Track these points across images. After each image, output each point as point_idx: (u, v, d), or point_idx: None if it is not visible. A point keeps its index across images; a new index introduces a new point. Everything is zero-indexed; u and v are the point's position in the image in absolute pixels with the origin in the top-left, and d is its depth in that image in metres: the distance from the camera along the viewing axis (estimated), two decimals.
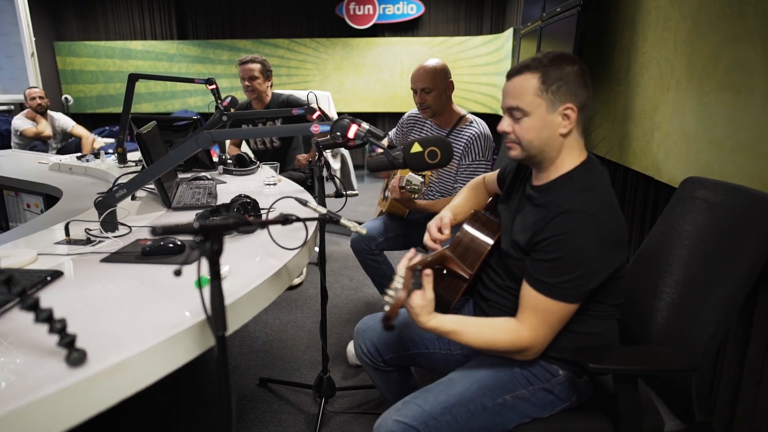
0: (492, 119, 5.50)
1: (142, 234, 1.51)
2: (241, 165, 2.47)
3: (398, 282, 1.01)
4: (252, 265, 1.26)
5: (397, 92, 5.78)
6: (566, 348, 1.14)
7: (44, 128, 4.33)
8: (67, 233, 1.42)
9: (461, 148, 2.14)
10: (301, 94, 3.30)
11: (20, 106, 4.43)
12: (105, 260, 1.27)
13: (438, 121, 2.24)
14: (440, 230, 1.36)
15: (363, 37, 5.72)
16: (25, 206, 2.71)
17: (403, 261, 1.15)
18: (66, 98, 5.10)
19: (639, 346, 1.26)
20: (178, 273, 0.81)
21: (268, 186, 2.17)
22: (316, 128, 1.37)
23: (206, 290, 0.85)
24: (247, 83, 2.85)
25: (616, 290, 1.13)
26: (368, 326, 1.44)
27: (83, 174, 2.66)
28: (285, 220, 1.05)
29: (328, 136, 1.37)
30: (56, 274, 1.15)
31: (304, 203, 1.31)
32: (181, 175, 2.31)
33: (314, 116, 2.22)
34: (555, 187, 1.13)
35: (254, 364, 2.18)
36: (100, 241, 1.42)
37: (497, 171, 1.49)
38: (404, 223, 2.32)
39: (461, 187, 2.14)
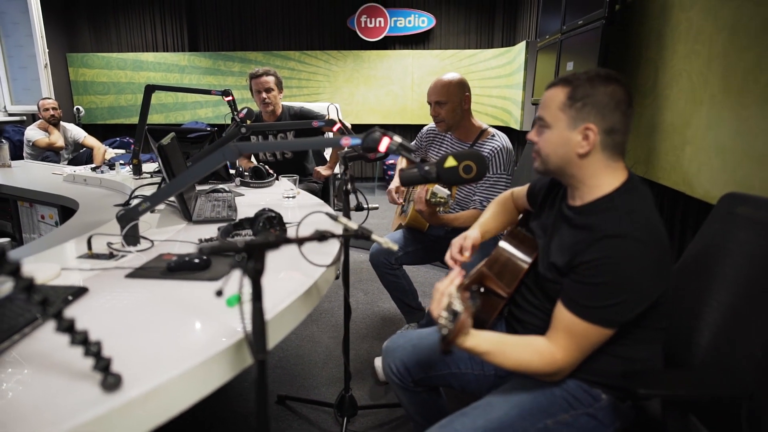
0: (504, 132, 5.47)
1: (165, 248, 1.48)
2: (258, 177, 2.45)
3: (457, 305, 0.96)
4: (281, 282, 1.22)
5: (408, 105, 5.77)
6: (610, 372, 1.09)
7: (56, 139, 4.33)
8: (90, 247, 1.39)
9: None
10: (312, 106, 3.29)
11: (33, 117, 4.43)
12: (130, 276, 1.24)
13: (459, 134, 2.21)
14: (462, 250, 1.33)
15: (374, 49, 5.73)
16: (40, 218, 2.69)
17: (445, 281, 1.11)
18: (77, 109, 5.11)
19: (684, 369, 1.21)
20: (219, 293, 0.77)
21: (287, 199, 2.14)
22: (347, 141, 1.34)
23: (241, 309, 0.81)
24: (264, 96, 2.83)
25: (661, 314, 1.09)
26: (398, 345, 1.40)
27: (98, 185, 2.64)
28: (321, 236, 1.02)
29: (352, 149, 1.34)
30: (81, 291, 1.12)
31: (334, 218, 1.28)
32: (198, 188, 2.28)
33: (335, 129, 2.19)
34: (595, 209, 1.08)
35: (271, 380, 2.13)
36: (122, 256, 1.39)
37: (526, 186, 1.45)
38: (424, 238, 2.28)
39: (480, 200, 2.10)
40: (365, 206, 1.84)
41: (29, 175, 3.11)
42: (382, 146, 1.30)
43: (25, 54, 5.07)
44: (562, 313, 1.05)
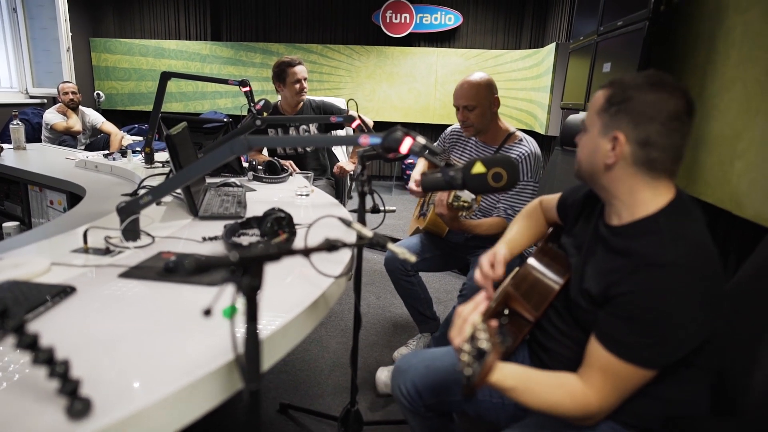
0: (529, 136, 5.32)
1: (166, 245, 1.38)
2: (272, 172, 2.35)
3: (483, 341, 0.83)
4: (286, 292, 1.11)
5: (431, 103, 5.64)
6: (648, 415, 0.96)
7: (74, 123, 4.30)
8: (85, 241, 1.30)
9: None
10: (333, 101, 3.18)
11: (54, 100, 4.41)
12: (123, 275, 1.15)
13: (484, 138, 2.08)
14: (493, 266, 1.20)
15: (398, 45, 5.61)
16: (49, 203, 2.63)
17: (469, 306, 0.99)
18: (98, 94, 5.09)
19: (735, 416, 1.07)
20: (207, 313, 0.67)
21: (300, 197, 2.03)
22: (365, 140, 1.22)
23: (232, 329, 0.70)
24: (303, 85, 2.75)
25: (710, 351, 0.96)
26: (410, 365, 1.28)
27: (109, 173, 2.57)
28: (331, 246, 0.91)
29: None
30: (68, 291, 1.02)
31: (348, 224, 1.16)
32: (209, 180, 2.19)
33: (354, 125, 2.08)
34: (637, 231, 0.96)
35: (275, 386, 2.03)
36: (119, 252, 1.29)
37: (557, 196, 1.32)
38: (442, 244, 2.16)
39: (504, 207, 1.97)
40: (382, 208, 1.73)
41: (42, 158, 3.06)
42: (404, 147, 1.19)
43: (49, 37, 5.06)
44: (597, 350, 0.92)
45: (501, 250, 1.23)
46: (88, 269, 1.18)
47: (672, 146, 0.94)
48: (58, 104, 4.34)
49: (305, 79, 2.76)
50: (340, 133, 3.23)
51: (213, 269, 0.61)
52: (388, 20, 5.54)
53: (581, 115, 2.18)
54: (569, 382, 0.94)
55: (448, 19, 5.52)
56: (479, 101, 1.96)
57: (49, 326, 0.89)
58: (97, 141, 4.50)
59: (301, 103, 2.84)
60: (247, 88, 2.61)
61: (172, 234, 1.48)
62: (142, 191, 1.74)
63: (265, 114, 2.56)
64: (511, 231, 1.35)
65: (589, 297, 0.98)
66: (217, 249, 1.36)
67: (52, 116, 4.28)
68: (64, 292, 1.01)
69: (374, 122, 5.98)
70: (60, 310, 0.96)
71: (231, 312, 0.99)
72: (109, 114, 5.62)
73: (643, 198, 0.96)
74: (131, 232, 1.37)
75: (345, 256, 1.37)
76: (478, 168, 1.12)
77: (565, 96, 3.06)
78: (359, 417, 1.70)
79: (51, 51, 5.08)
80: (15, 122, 3.27)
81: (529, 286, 1.12)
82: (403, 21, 5.53)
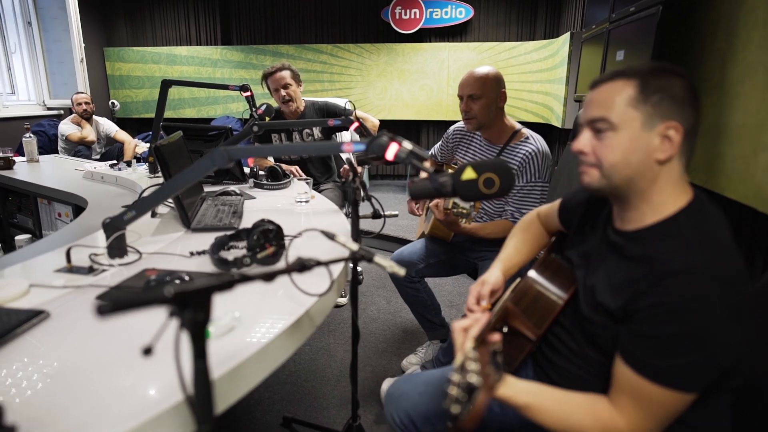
0: (545, 130, 5.16)
1: (153, 261, 1.34)
2: (274, 178, 2.30)
3: (473, 373, 0.75)
4: (267, 309, 1.06)
5: (443, 99, 5.53)
6: None
7: (88, 133, 4.34)
8: (69, 260, 1.26)
9: (515, 167, 1.88)
10: (340, 101, 3.12)
11: (69, 111, 4.46)
12: (101, 297, 1.10)
13: (488, 135, 1.99)
14: (479, 300, 1.11)
15: (408, 42, 5.51)
16: (57, 215, 2.64)
17: (463, 322, 0.92)
18: (113, 103, 5.14)
19: None
20: (147, 352, 0.60)
21: (299, 204, 1.98)
22: (349, 147, 1.15)
23: (178, 365, 0.64)
24: (283, 93, 2.66)
25: (735, 369, 0.86)
26: (402, 392, 1.21)
27: (114, 183, 2.56)
28: (302, 267, 0.84)
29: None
30: (38, 316, 0.98)
31: (331, 237, 1.10)
32: (210, 188, 2.15)
33: (352, 127, 2.02)
34: (655, 235, 0.87)
35: (279, 398, 1.98)
36: (103, 270, 1.25)
37: (557, 204, 1.23)
38: (448, 248, 2.08)
39: (512, 211, 1.88)
40: (382, 213, 1.66)
41: (53, 170, 3.08)
42: (389, 153, 1.11)
43: (63, 49, 5.13)
44: (623, 373, 0.83)
45: (492, 278, 1.14)
46: (67, 291, 1.14)
47: (698, 133, 0.87)
48: (73, 115, 4.39)
49: (285, 86, 2.65)
50: (345, 134, 3.17)
51: (141, 307, 0.54)
52: (397, 16, 5.45)
53: None
54: (594, 402, 0.86)
55: (458, 12, 5.40)
56: (485, 92, 1.87)
57: (14, 356, 0.85)
58: (112, 150, 4.54)
59: (303, 107, 2.77)
60: (248, 93, 2.56)
61: (162, 248, 1.44)
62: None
63: (267, 119, 2.51)
64: (507, 248, 1.25)
65: (606, 313, 0.89)
66: (204, 264, 1.31)
67: (66, 127, 4.33)
68: (35, 317, 0.98)
69: (387, 121, 5.87)
70: (29, 338, 0.92)
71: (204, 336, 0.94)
72: (124, 122, 5.67)
73: (669, 197, 0.87)
74: (117, 248, 1.34)
75: (336, 268, 1.31)
76: (469, 173, 1.04)
77: (579, 87, 2.93)
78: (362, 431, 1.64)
79: (65, 62, 5.14)
80: (27, 135, 3.30)
81: (529, 301, 1.03)
82: (412, 17, 5.43)
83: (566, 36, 4.22)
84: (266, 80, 2.72)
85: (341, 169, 2.77)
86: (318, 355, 2.30)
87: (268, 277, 0.74)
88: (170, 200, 1.77)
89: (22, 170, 3.02)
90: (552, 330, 1.03)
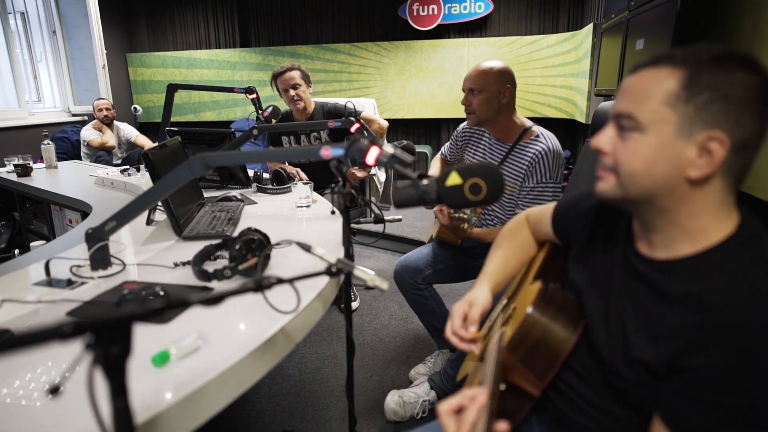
0: (570, 125, 4.98)
1: (136, 273, 1.30)
2: (279, 182, 2.24)
3: None
4: (239, 326, 0.99)
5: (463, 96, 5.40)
6: None
7: (108, 139, 4.40)
8: (48, 272, 1.23)
9: (524, 166, 1.77)
10: (360, 102, 3.06)
11: (92, 117, 4.54)
12: (71, 313, 1.06)
13: (497, 133, 1.88)
14: (467, 323, 0.98)
15: (427, 39, 5.41)
16: (68, 222, 2.65)
17: (445, 408, 0.73)
18: (135, 108, 5.20)
19: None
20: (54, 391, 0.54)
21: (299, 208, 1.91)
22: (327, 152, 1.08)
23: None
24: (291, 93, 2.60)
25: None
26: None
27: (122, 189, 2.56)
28: (258, 287, 0.77)
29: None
30: (3, 335, 0.94)
31: (306, 249, 1.02)
32: (213, 193, 2.11)
33: (353, 129, 1.94)
34: (700, 269, 0.71)
35: (282, 409, 1.92)
36: (82, 283, 1.22)
37: (549, 209, 1.07)
38: (457, 252, 1.98)
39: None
40: (383, 218, 1.58)
41: (68, 177, 3.11)
42: (370, 158, 1.03)
43: (86, 56, 5.22)
44: None
45: (480, 297, 1.00)
46: (40, 306, 1.10)
47: (761, 146, 0.69)
48: (94, 121, 4.46)
49: (294, 86, 2.60)
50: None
51: (34, 346, 0.48)
52: (415, 13, 5.35)
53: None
54: None
55: (477, 7, 5.26)
56: (486, 86, 1.76)
57: None
58: (133, 154, 4.59)
59: (312, 108, 2.71)
60: (254, 96, 2.52)
61: (148, 258, 1.39)
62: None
63: (273, 121, 2.46)
64: (493, 260, 1.11)
65: (644, 368, 0.73)
66: (187, 275, 1.25)
67: (88, 133, 4.40)
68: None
69: (406, 120, 5.78)
70: None
71: (161, 360, 0.88)
72: (147, 126, 5.75)
73: (710, 222, 0.71)
74: (100, 260, 1.30)
75: (324, 268, 1.23)
76: (453, 179, 0.95)
77: (599, 81, 2.78)
78: None
79: (88, 69, 5.24)
80: (46, 142, 3.35)
81: (530, 348, 0.86)
82: (430, 13, 5.32)
83: (589, 27, 4.05)
84: (275, 80, 2.67)
85: (347, 171, 2.71)
86: (325, 364, 2.23)
87: (212, 302, 0.67)
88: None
89: (39, 177, 3.06)
90: (562, 377, 0.87)
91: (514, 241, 1.13)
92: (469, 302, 1.01)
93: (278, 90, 2.69)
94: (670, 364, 0.69)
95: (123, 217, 1.26)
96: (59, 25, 5.15)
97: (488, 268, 1.10)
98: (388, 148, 1.03)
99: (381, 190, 3.27)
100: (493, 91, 1.75)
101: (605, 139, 0.76)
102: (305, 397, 2.00)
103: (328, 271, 0.96)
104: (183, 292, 1.15)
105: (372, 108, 3.11)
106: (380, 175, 3.06)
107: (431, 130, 5.79)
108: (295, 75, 2.58)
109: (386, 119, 2.87)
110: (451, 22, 5.35)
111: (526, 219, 1.15)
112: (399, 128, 5.80)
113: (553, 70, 5.02)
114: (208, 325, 0.97)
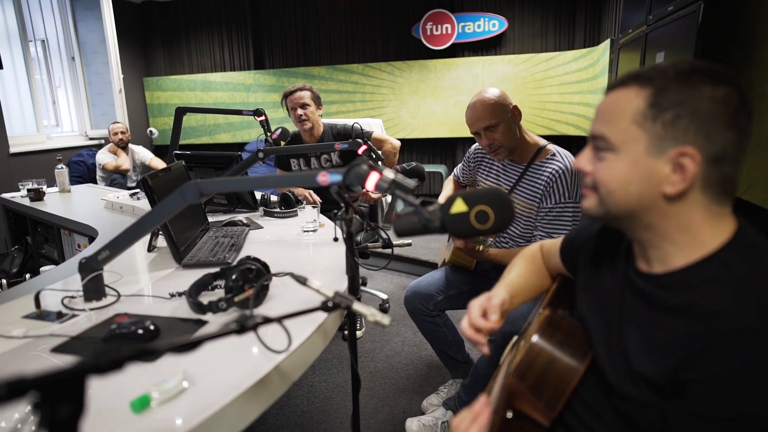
0: (585, 143, 4.86)
1: (130, 304, 1.24)
2: (287, 206, 2.19)
3: None
4: (229, 366, 0.92)
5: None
6: None
7: (123, 162, 4.43)
8: (38, 304, 1.18)
9: (541, 187, 1.69)
10: (367, 122, 3.01)
11: (107, 141, 4.59)
12: (56, 350, 1.00)
13: (511, 154, 1.80)
14: (485, 314, 0.93)
15: (441, 58, 5.38)
16: (77, 246, 2.63)
17: (465, 419, 0.74)
18: (150, 131, 5.26)
19: None
20: None
21: (306, 233, 1.85)
22: (324, 178, 1.02)
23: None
24: (299, 112, 2.56)
25: None
26: None
27: (131, 214, 2.53)
28: (241, 328, 0.70)
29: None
30: None
31: (302, 282, 0.96)
32: (218, 218, 2.07)
33: (360, 151, 1.89)
34: (697, 278, 0.69)
35: None
36: (72, 316, 1.16)
37: (558, 241, 1.04)
38: (471, 278, 1.90)
39: (541, 236, 1.69)
40: (391, 242, 1.51)
41: (80, 201, 3.11)
42: (370, 183, 0.97)
43: (103, 81, 5.31)
44: None
45: (499, 294, 0.96)
46: (26, 341, 1.05)
47: (743, 155, 0.69)
48: (110, 144, 4.51)
49: (303, 106, 2.56)
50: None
51: None
52: (428, 32, 5.33)
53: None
54: None
55: (492, 25, 5.23)
56: (500, 116, 1.69)
57: None
58: None
59: (321, 130, 2.67)
60: (262, 117, 2.50)
61: (144, 288, 1.34)
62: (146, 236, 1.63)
63: (282, 143, 2.42)
64: (512, 272, 1.07)
65: (647, 385, 0.70)
66: (182, 307, 1.19)
67: (103, 156, 4.44)
68: None
69: (420, 139, 5.74)
70: None
71: (141, 405, 0.81)
72: (163, 149, 5.79)
73: (703, 233, 0.70)
74: (93, 291, 1.25)
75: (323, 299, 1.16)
76: (459, 206, 0.88)
77: None
78: None
79: (105, 94, 5.32)
80: (59, 166, 3.37)
81: (538, 375, 0.82)
82: (444, 32, 5.30)
83: (606, 43, 3.98)
84: (285, 99, 2.65)
85: (360, 194, 2.64)
86: (334, 393, 2.15)
87: (184, 349, 0.60)
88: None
89: (52, 201, 3.06)
90: (572, 407, 0.83)
91: (532, 264, 1.10)
92: (488, 296, 0.96)
93: (287, 109, 2.66)
94: (673, 377, 0.66)
95: (116, 246, 1.21)
96: (78, 51, 5.26)
97: (505, 279, 1.07)
98: (389, 174, 0.96)
99: (386, 209, 3.20)
100: (507, 118, 1.68)
101: (584, 159, 0.78)
102: (313, 429, 1.91)
103: (324, 307, 0.89)
104: (175, 326, 1.09)
105: (379, 128, 3.06)
106: (389, 196, 2.99)
107: (446, 149, 5.73)
108: (305, 95, 2.55)
109: (400, 139, 2.82)
110: (465, 40, 5.33)
111: (540, 249, 1.10)
112: (413, 148, 5.75)
113: (569, 87, 4.94)
114: (195, 363, 0.90)
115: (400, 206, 2.98)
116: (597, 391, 0.80)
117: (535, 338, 0.82)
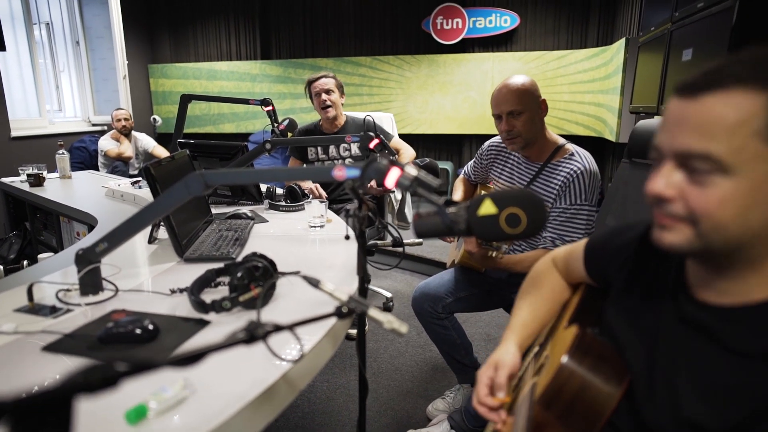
0: (598, 144, 4.79)
1: (129, 299, 1.17)
2: (293, 199, 2.12)
3: None
4: (234, 372, 0.85)
5: (487, 112, 5.22)
6: None
7: (125, 149, 4.36)
8: (30, 297, 1.11)
9: (557, 187, 1.62)
10: (378, 116, 2.94)
11: (110, 127, 4.52)
12: (48, 348, 0.94)
13: (528, 152, 1.73)
14: (492, 390, 0.87)
15: (451, 53, 5.29)
16: (75, 234, 2.57)
17: None
18: (154, 119, 5.18)
19: None
20: None
21: (313, 228, 1.79)
22: (340, 173, 0.95)
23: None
24: (323, 97, 2.52)
25: None
26: None
27: (132, 202, 2.47)
28: (251, 338, 0.63)
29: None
30: None
31: (314, 284, 0.89)
32: (222, 210, 2.00)
33: (371, 145, 1.81)
34: None
35: None
36: (66, 311, 1.10)
37: (581, 246, 0.94)
38: (481, 279, 1.83)
39: (552, 238, 1.61)
40: (403, 240, 1.44)
41: (80, 188, 3.04)
42: (390, 180, 0.90)
43: (107, 66, 5.23)
44: None
45: (507, 358, 0.88)
46: (16, 337, 0.98)
47: None
48: (112, 131, 4.43)
49: (328, 91, 2.54)
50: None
51: None
52: (438, 27, 5.24)
53: (657, 120, 1.77)
54: None
55: (503, 21, 5.14)
56: (526, 104, 1.61)
57: None
58: None
59: (343, 121, 2.62)
60: (269, 108, 2.43)
61: (143, 283, 1.27)
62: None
63: (290, 134, 2.35)
64: (521, 311, 0.98)
65: None
66: (183, 304, 1.13)
67: (105, 143, 4.37)
68: None
69: (428, 135, 5.66)
70: None
71: (137, 416, 0.74)
72: (166, 137, 5.71)
73: None
74: (90, 284, 1.18)
75: (335, 305, 1.09)
76: (487, 208, 0.81)
77: (635, 98, 2.62)
78: None
79: (109, 80, 5.25)
80: (60, 152, 3.30)
81: (567, 404, 0.73)
82: (455, 26, 5.21)
83: (621, 42, 3.89)
84: (309, 86, 2.61)
85: (368, 186, 2.58)
86: (336, 394, 2.08)
87: (187, 362, 0.54)
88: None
89: (52, 187, 3.00)
90: None
91: (543, 288, 0.99)
92: (495, 365, 0.88)
93: (311, 97, 2.62)
94: (739, 430, 0.57)
95: (115, 238, 1.14)
96: (83, 35, 5.18)
97: (515, 321, 0.97)
98: (411, 170, 0.89)
99: (396, 208, 3.13)
100: (533, 108, 1.61)
101: (666, 183, 0.61)
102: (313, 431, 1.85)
103: (338, 313, 0.82)
104: (175, 326, 1.02)
105: (390, 123, 2.99)
106: (397, 192, 2.92)
107: (453, 145, 5.65)
108: (329, 81, 2.54)
109: (407, 134, 2.77)
110: (475, 36, 5.24)
111: (552, 262, 1.01)
112: (420, 143, 5.67)
113: (581, 87, 4.85)
114: (196, 370, 0.83)
115: (407, 204, 2.90)
116: (632, 424, 0.72)
117: (564, 360, 0.73)
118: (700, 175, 0.58)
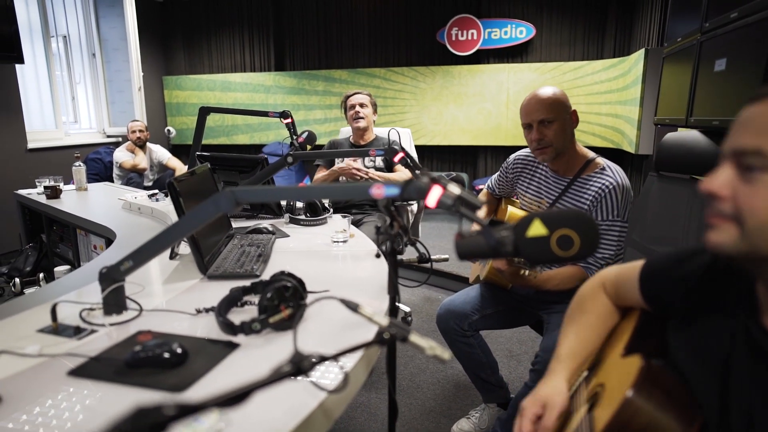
0: (616, 156, 4.72)
1: (153, 319, 1.14)
2: (314, 213, 2.09)
3: None
4: (270, 402, 0.81)
5: (502, 123, 5.22)
6: None
7: (140, 161, 4.37)
8: (54, 318, 1.08)
9: (588, 201, 1.58)
10: (402, 132, 2.94)
11: (125, 139, 4.53)
12: (74, 373, 0.90)
13: (557, 165, 1.68)
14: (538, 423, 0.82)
15: (465, 64, 5.27)
16: (93, 247, 2.55)
17: None
18: (168, 130, 5.21)
19: None
20: None
21: (336, 244, 1.75)
22: (378, 191, 0.91)
23: None
24: (357, 109, 2.64)
25: None
26: None
27: (149, 215, 2.45)
28: (297, 371, 0.59)
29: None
30: None
31: (353, 308, 0.84)
32: (242, 224, 1.97)
33: (396, 159, 1.78)
34: None
35: None
36: (90, 332, 1.06)
37: (636, 268, 0.88)
38: (507, 297, 1.78)
39: None
40: (429, 257, 1.39)
41: (97, 200, 3.03)
42: (431, 199, 0.86)
43: (123, 78, 5.27)
44: None
45: (555, 397, 0.83)
46: (41, 360, 0.95)
47: None
48: (127, 142, 4.45)
49: (362, 105, 2.66)
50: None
51: None
52: (453, 38, 5.23)
53: (690, 134, 1.72)
54: None
55: (519, 32, 5.11)
56: (558, 113, 1.58)
57: None
58: (163, 177, 4.55)
59: (372, 137, 2.75)
60: (288, 120, 2.40)
61: (168, 301, 1.24)
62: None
63: (309, 147, 2.32)
64: (568, 340, 0.92)
65: None
66: (210, 325, 1.09)
67: (120, 154, 4.38)
68: None
69: (441, 147, 5.63)
70: None
71: None
72: (180, 149, 5.75)
73: None
74: (113, 304, 1.15)
75: (365, 332, 1.05)
76: (537, 229, 0.77)
77: (660, 110, 2.56)
78: None
79: (125, 91, 5.28)
80: (77, 164, 3.30)
81: None
82: (470, 38, 5.20)
83: (640, 53, 3.84)
84: (346, 101, 2.73)
85: (345, 164, 2.58)
86: (357, 413, 2.03)
87: (235, 401, 0.50)
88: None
89: (68, 199, 2.99)
90: None
91: (591, 313, 0.93)
92: (543, 403, 0.83)
93: (344, 111, 2.75)
94: None
95: (141, 256, 1.11)
96: (99, 47, 5.23)
97: (562, 350, 0.91)
98: (453, 188, 0.85)
99: (411, 220, 3.09)
100: (566, 118, 1.58)
101: (721, 181, 0.60)
102: None
103: (380, 340, 0.78)
104: (204, 348, 0.98)
105: (408, 138, 2.99)
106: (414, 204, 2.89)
107: (467, 157, 5.61)
108: (365, 98, 2.69)
109: (422, 145, 2.83)
110: (490, 47, 5.22)
111: (602, 286, 0.95)
112: (434, 155, 5.64)
113: (598, 98, 4.80)
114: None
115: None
116: None
117: (630, 394, 0.68)
118: (752, 172, 0.57)
